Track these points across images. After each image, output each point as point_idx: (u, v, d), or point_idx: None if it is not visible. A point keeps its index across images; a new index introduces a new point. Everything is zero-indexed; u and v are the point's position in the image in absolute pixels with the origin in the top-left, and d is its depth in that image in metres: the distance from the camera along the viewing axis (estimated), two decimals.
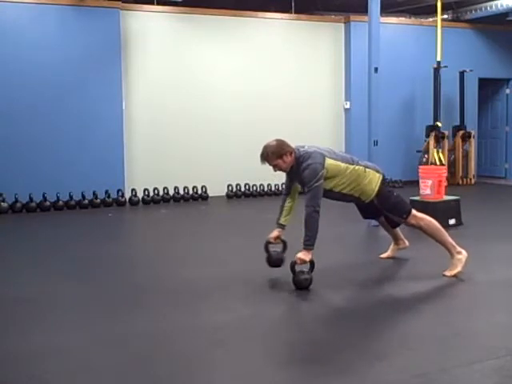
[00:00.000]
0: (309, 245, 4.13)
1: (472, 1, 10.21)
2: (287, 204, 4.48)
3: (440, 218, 6.31)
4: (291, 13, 9.94)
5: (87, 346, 3.20)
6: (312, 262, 4.14)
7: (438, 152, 10.10)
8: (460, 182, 10.58)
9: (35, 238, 6.44)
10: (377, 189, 4.39)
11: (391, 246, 5.09)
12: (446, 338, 3.27)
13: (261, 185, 9.50)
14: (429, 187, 6.44)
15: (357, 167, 4.36)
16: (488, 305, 3.90)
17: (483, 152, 11.82)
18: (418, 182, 6.67)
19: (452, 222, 6.44)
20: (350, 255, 5.48)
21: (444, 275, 4.40)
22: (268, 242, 4.47)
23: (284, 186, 4.61)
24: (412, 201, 6.59)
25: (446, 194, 6.70)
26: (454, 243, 4.50)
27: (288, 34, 9.89)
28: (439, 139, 10.20)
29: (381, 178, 4.46)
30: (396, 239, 5.05)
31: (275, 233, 4.49)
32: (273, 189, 9.59)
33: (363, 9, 6.69)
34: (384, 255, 5.08)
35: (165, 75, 9.14)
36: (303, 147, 4.29)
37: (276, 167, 4.27)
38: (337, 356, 3.03)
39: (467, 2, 10.31)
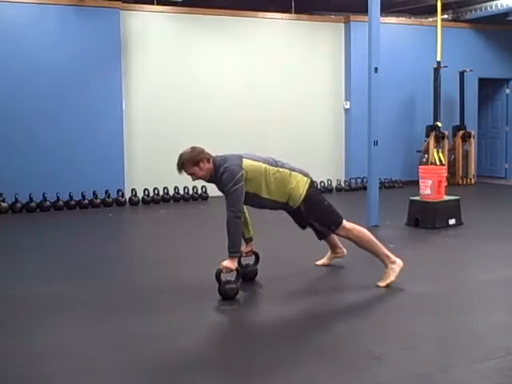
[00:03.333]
0: (233, 252, 3.97)
1: (472, 1, 10.20)
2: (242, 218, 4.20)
3: (440, 217, 6.38)
4: (291, 13, 9.94)
5: (87, 346, 3.20)
6: (238, 271, 4.00)
7: (438, 152, 10.09)
8: (460, 182, 10.57)
9: (35, 238, 6.44)
10: (304, 193, 4.18)
11: (328, 254, 4.83)
12: (446, 338, 3.28)
13: None
14: (429, 187, 6.44)
15: (281, 169, 4.18)
16: (488, 305, 3.90)
17: (483, 152, 11.81)
18: (418, 182, 6.67)
19: (452, 221, 6.44)
20: (349, 253, 5.47)
21: (377, 286, 4.17)
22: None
23: None
24: (412, 201, 6.60)
25: (446, 194, 6.70)
26: (388, 253, 4.29)
27: (288, 33, 9.88)
28: (439, 139, 10.19)
29: (308, 182, 4.25)
30: (333, 247, 4.78)
31: (246, 247, 4.38)
32: None
33: (363, 9, 6.69)
34: (319, 262, 4.83)
35: (165, 75, 9.13)
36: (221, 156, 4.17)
37: (193, 175, 4.12)
38: (335, 356, 3.04)
39: (467, 2, 10.30)
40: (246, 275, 4.30)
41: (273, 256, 4.89)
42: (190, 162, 4.07)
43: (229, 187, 3.98)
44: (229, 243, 3.98)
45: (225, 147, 9.18)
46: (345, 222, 4.30)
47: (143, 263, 5.16)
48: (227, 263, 3.96)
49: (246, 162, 4.08)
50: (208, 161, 4.08)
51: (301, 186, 4.20)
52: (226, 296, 3.92)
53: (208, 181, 4.21)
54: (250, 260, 4.41)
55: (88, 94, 8.56)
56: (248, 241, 4.40)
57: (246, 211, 4.32)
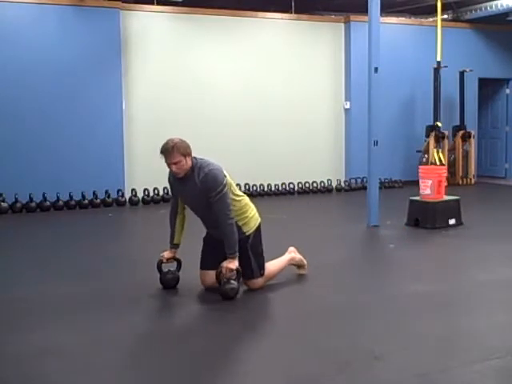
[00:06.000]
0: (232, 253, 3.93)
1: (472, 1, 10.20)
2: (178, 223, 4.24)
3: (440, 217, 6.38)
4: (291, 13, 9.94)
5: (87, 346, 3.20)
6: (238, 271, 3.98)
7: (438, 152, 10.10)
8: (460, 182, 10.57)
9: (35, 238, 6.44)
10: (255, 228, 4.14)
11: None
12: (446, 338, 3.28)
13: (261, 185, 9.49)
14: (429, 187, 6.44)
15: (243, 196, 4.19)
16: (488, 305, 3.90)
17: (483, 152, 11.81)
18: (418, 182, 6.67)
19: (452, 221, 6.44)
20: (350, 253, 5.47)
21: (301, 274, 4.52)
22: (161, 262, 4.22)
23: (171, 202, 4.33)
24: (412, 201, 6.60)
25: (446, 194, 6.70)
26: (287, 264, 4.44)
27: (288, 34, 9.89)
28: (439, 139, 10.19)
29: (259, 222, 4.20)
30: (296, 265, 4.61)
31: (169, 253, 4.24)
32: (273, 189, 9.59)
33: (363, 9, 6.69)
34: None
35: (165, 75, 9.14)
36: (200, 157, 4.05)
37: (177, 165, 3.89)
38: (335, 356, 3.04)
39: (467, 2, 10.31)
40: (168, 282, 4.20)
41: (273, 256, 4.87)
42: (181, 150, 3.88)
43: (219, 190, 3.90)
44: (227, 245, 3.96)
45: (225, 147, 9.28)
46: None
47: (143, 263, 5.15)
48: (228, 264, 3.94)
49: (226, 174, 4.04)
50: (190, 158, 3.97)
51: (254, 219, 4.17)
52: (226, 296, 3.92)
53: (179, 178, 4.01)
54: (172, 266, 4.29)
55: (88, 94, 8.56)
56: (174, 247, 4.26)
57: (184, 216, 4.27)
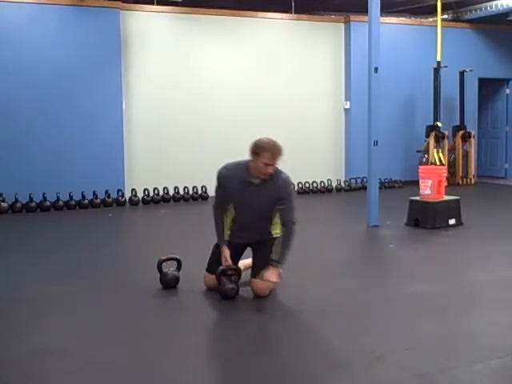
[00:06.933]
0: (280, 263, 3.92)
1: (472, 1, 10.20)
2: (224, 219, 4.17)
3: (440, 217, 6.38)
4: (291, 13, 9.94)
5: (87, 346, 3.20)
6: (239, 271, 4.03)
7: (438, 152, 10.10)
8: (460, 182, 10.57)
9: (35, 238, 6.44)
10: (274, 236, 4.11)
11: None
12: (446, 338, 3.28)
13: None
14: (429, 187, 6.44)
15: None
16: (488, 305, 3.90)
17: (483, 152, 11.81)
18: (418, 182, 6.67)
19: (452, 221, 6.44)
20: (350, 253, 5.47)
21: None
22: (161, 262, 4.21)
23: (218, 200, 4.18)
24: (412, 201, 6.60)
25: (446, 194, 6.70)
26: None
27: (288, 34, 9.89)
28: (439, 139, 10.19)
29: None
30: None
31: (228, 251, 4.07)
32: None
33: (363, 9, 6.69)
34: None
35: (165, 75, 9.14)
36: None
37: (273, 167, 3.92)
38: (336, 356, 3.04)
39: (467, 2, 10.31)
40: (168, 282, 4.20)
41: None
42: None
43: (291, 198, 4.03)
44: (283, 254, 3.92)
45: (225, 147, 9.25)
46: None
47: (143, 263, 5.16)
48: (271, 276, 3.85)
49: None
50: None
51: (279, 231, 4.12)
52: (226, 296, 3.93)
53: (250, 180, 3.95)
54: (172, 266, 4.28)
55: (88, 94, 8.56)
56: (226, 243, 4.14)
57: (227, 212, 4.21)
